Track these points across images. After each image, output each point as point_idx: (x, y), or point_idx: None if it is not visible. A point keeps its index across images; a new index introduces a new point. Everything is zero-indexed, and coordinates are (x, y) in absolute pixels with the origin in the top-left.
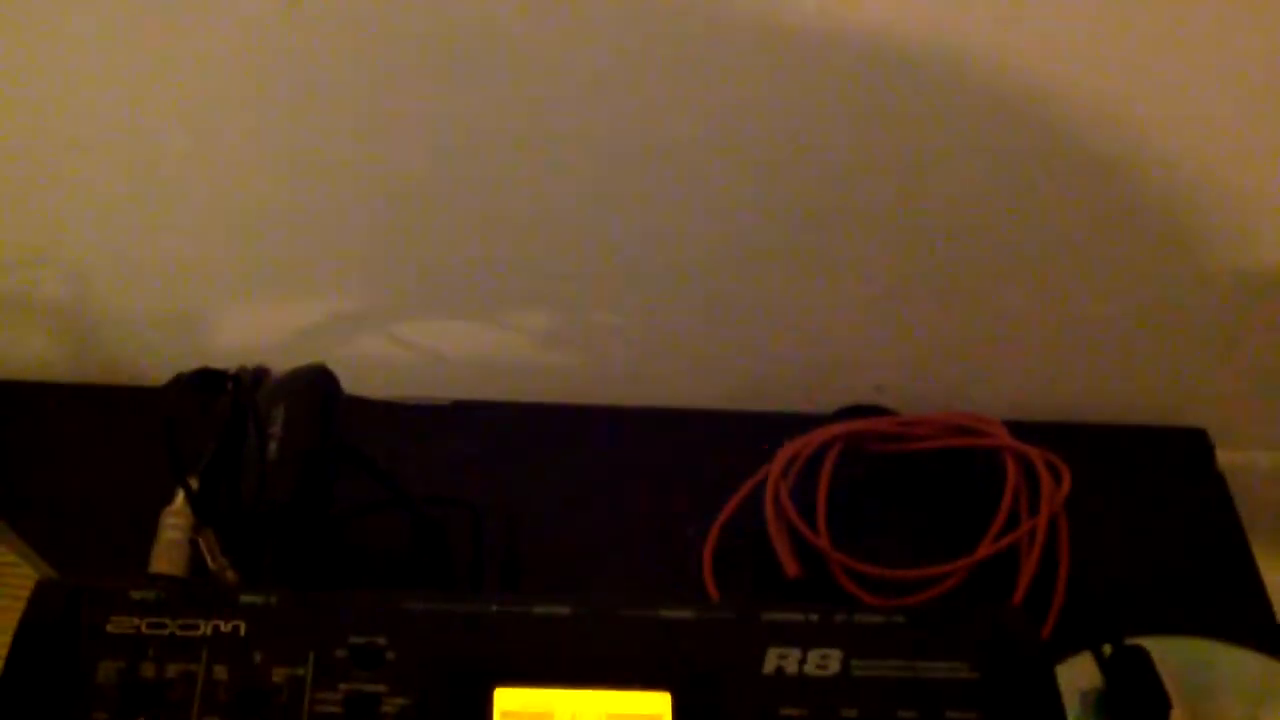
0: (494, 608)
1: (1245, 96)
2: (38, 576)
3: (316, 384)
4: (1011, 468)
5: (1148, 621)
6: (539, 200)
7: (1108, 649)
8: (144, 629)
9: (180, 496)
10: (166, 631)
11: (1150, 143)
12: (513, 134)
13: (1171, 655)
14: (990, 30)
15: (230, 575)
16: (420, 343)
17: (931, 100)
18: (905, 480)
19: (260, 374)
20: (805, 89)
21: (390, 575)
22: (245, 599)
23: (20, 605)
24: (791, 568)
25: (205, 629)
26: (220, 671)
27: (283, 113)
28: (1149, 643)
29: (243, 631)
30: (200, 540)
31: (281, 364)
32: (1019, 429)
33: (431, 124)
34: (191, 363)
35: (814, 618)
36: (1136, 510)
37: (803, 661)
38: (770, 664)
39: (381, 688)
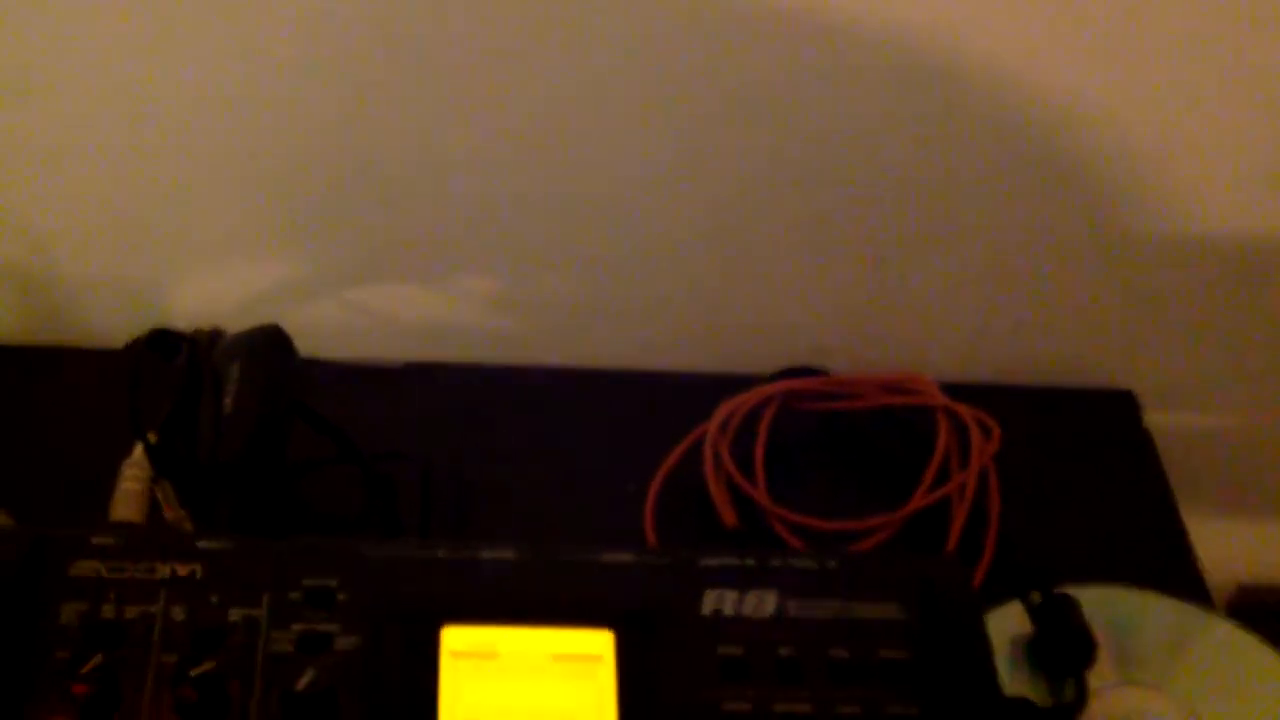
0: (441, 552)
1: (1173, 63)
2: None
3: (271, 343)
4: (943, 424)
5: (1075, 572)
6: (485, 169)
7: (1036, 597)
8: (104, 572)
9: (139, 448)
10: (126, 575)
11: (1080, 109)
12: (459, 102)
13: (1098, 603)
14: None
15: (187, 525)
16: (372, 307)
17: (861, 69)
18: (840, 437)
19: (215, 335)
20: (743, 60)
21: (341, 528)
22: (202, 544)
23: None
24: (730, 519)
25: (163, 572)
26: (178, 612)
27: (235, 80)
28: (1076, 591)
29: (199, 575)
30: (158, 491)
31: (236, 328)
32: (951, 390)
33: (379, 92)
34: (147, 327)
35: (750, 562)
36: (1066, 468)
37: (739, 603)
38: (708, 605)
39: (334, 627)
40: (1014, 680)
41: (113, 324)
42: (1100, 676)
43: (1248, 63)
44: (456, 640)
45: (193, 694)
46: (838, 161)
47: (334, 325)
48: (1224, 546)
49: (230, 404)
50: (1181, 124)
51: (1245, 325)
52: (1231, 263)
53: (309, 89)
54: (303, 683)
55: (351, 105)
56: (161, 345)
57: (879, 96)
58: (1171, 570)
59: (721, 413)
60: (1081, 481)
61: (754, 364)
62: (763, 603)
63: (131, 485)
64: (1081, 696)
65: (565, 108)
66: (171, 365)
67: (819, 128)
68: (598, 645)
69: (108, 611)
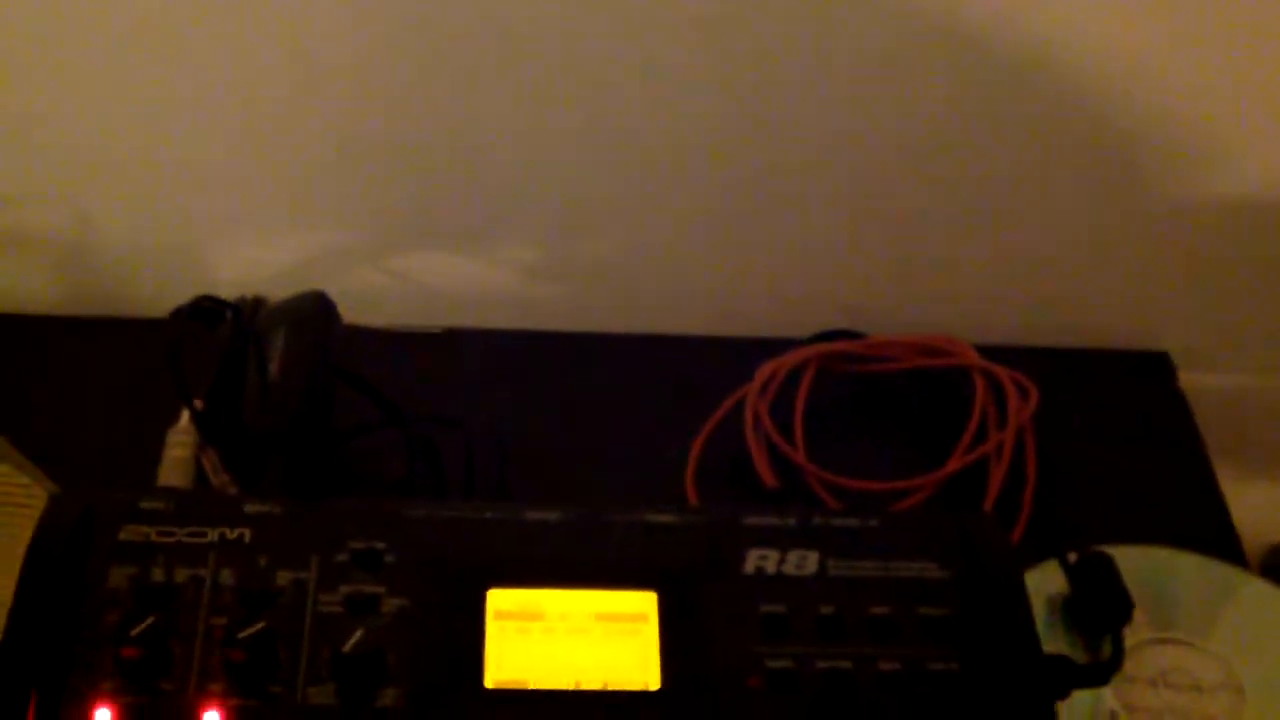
0: (487, 514)
1: (1208, 25)
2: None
3: (315, 309)
4: (980, 385)
5: (1111, 533)
6: (526, 137)
7: (1073, 556)
8: (154, 537)
9: (185, 416)
10: (175, 539)
11: (1116, 69)
12: (501, 70)
13: (1134, 562)
14: None
15: (233, 491)
16: (414, 274)
17: (896, 30)
18: (878, 399)
19: (259, 303)
20: (779, 27)
21: (386, 492)
22: (250, 508)
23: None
24: (770, 479)
25: (212, 536)
26: (227, 575)
27: (279, 51)
28: (1112, 551)
29: (248, 538)
30: (204, 458)
31: (278, 296)
32: (986, 352)
33: (421, 61)
34: (190, 296)
35: (792, 521)
36: (1102, 429)
37: (781, 562)
38: (751, 564)
39: (381, 589)
40: (1051, 639)
41: (157, 294)
42: (1136, 634)
43: None
44: (502, 602)
45: (242, 655)
46: (873, 128)
47: (377, 292)
48: (1258, 507)
49: (276, 370)
50: (1218, 85)
51: (1278, 286)
52: (1268, 225)
53: (351, 60)
54: (351, 643)
55: (393, 75)
56: (205, 314)
57: (912, 59)
58: (1206, 530)
59: (761, 375)
60: (1117, 443)
61: (790, 329)
62: (804, 561)
63: (178, 452)
64: (1118, 654)
65: (605, 76)
66: (215, 334)
67: (855, 94)
68: (641, 605)
69: (157, 575)
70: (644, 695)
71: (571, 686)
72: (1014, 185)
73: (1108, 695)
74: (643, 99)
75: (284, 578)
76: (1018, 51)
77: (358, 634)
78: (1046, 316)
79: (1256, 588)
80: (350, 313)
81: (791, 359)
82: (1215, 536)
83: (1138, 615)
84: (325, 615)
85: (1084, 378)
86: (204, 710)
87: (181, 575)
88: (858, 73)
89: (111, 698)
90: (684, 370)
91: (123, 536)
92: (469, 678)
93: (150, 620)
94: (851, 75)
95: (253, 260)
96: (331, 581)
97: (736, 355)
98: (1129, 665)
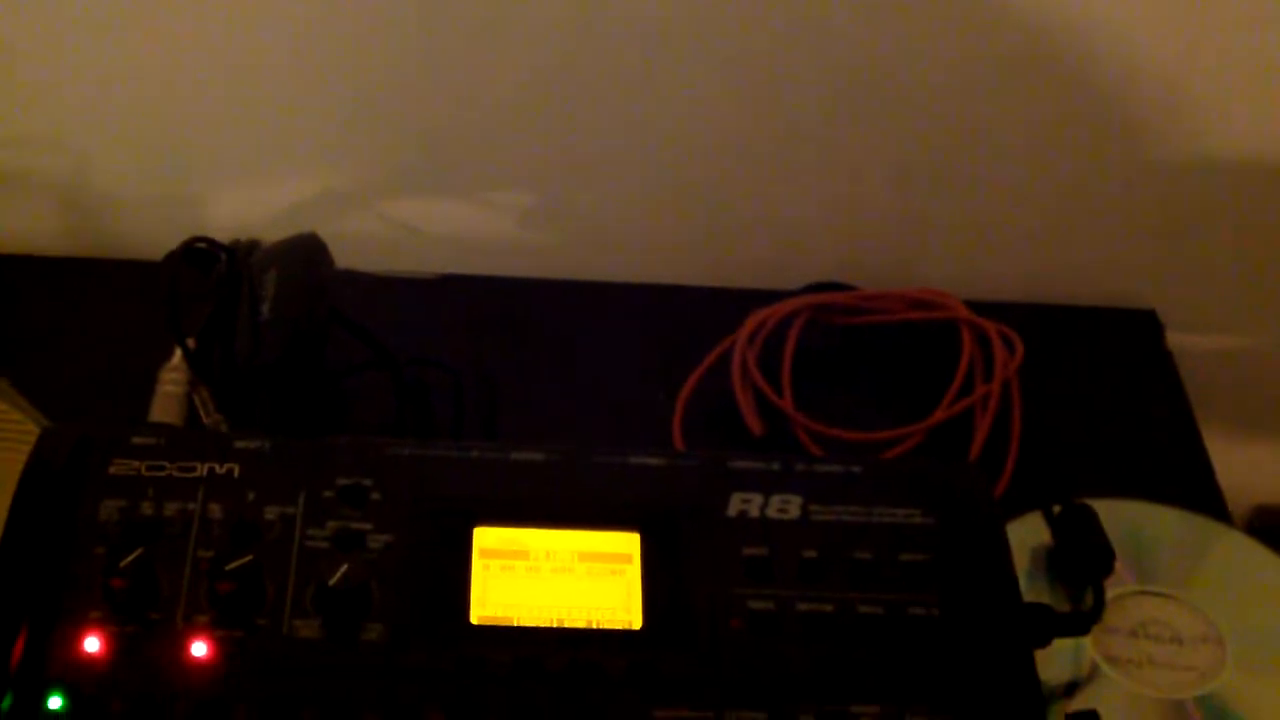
0: (474, 453)
1: None
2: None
3: (308, 250)
4: (967, 337)
5: (1095, 486)
6: (521, 84)
7: (1056, 508)
8: (144, 471)
9: (178, 354)
10: (165, 473)
11: (1105, 29)
12: (495, 18)
13: (1117, 515)
14: None
15: (224, 429)
16: (408, 220)
17: None
18: (866, 350)
19: (253, 246)
20: None
21: (376, 432)
22: (239, 444)
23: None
24: (756, 427)
25: (201, 471)
26: (215, 509)
27: None
28: (1096, 504)
29: (237, 473)
30: (195, 396)
31: (273, 240)
32: (975, 307)
33: (419, 8)
34: (185, 239)
35: (776, 466)
36: (1088, 385)
37: (764, 506)
38: (734, 508)
39: (368, 525)
40: (1033, 589)
41: (152, 237)
42: (1118, 586)
43: None
44: (488, 540)
45: (228, 587)
46: (866, 83)
47: (371, 237)
48: (1242, 467)
49: (268, 310)
50: (1207, 44)
51: (1268, 247)
52: (1255, 184)
53: (350, 6)
54: (336, 577)
55: (391, 20)
56: (199, 255)
57: (905, 18)
58: (1191, 488)
59: (750, 324)
60: (1103, 399)
61: (782, 281)
62: (787, 506)
63: (170, 389)
64: (1098, 604)
65: (603, 25)
66: (209, 277)
67: (848, 49)
68: (625, 545)
69: (147, 509)
70: (626, 634)
71: (555, 624)
72: (1002, 146)
73: (1088, 645)
74: (640, 47)
75: (271, 512)
76: (1007, 13)
77: (343, 568)
78: (1036, 273)
79: (1237, 541)
80: (345, 257)
81: (781, 309)
82: (1200, 495)
83: (1119, 567)
84: (311, 550)
85: (1072, 334)
86: (191, 640)
87: (170, 509)
88: (853, 28)
89: (101, 627)
90: (675, 319)
91: (113, 470)
92: (454, 613)
93: (139, 552)
94: (848, 31)
95: (248, 205)
96: (318, 517)
97: (728, 305)
98: (1110, 616)
